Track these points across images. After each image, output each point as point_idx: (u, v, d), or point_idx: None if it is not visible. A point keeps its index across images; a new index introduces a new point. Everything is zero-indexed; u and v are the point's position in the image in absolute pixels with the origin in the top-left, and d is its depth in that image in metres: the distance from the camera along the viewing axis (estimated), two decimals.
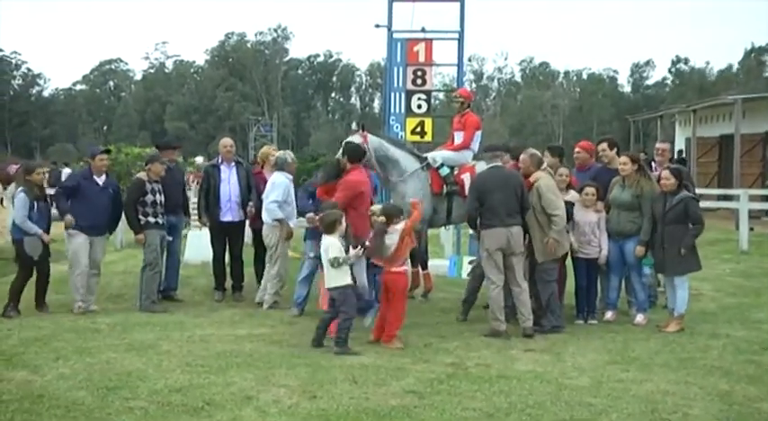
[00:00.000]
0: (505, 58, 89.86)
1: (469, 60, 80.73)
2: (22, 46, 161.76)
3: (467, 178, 9.06)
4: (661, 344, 7.27)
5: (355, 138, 8.96)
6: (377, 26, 13.26)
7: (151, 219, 8.84)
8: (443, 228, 11.70)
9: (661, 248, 7.87)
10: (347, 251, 7.00)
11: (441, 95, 43.14)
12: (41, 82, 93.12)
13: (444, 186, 9.23)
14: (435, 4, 12.71)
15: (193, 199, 11.87)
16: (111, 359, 6.51)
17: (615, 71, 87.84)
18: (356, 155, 8.15)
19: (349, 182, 7.92)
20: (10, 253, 10.63)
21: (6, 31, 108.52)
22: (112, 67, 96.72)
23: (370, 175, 9.03)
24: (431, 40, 12.20)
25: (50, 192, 9.14)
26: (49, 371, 6.14)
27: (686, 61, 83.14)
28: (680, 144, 25.97)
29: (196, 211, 10.30)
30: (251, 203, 9.44)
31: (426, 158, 9.39)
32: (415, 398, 5.52)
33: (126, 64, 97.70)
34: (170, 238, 9.29)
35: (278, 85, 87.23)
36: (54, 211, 8.91)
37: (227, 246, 9.70)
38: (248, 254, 9.90)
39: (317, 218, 7.34)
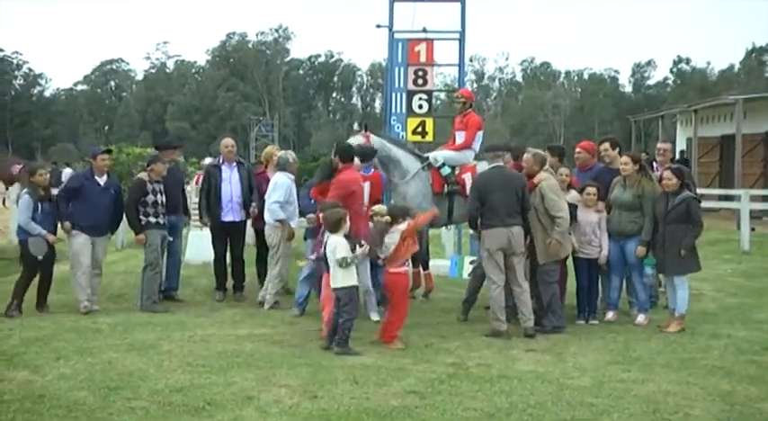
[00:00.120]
0: (506, 58, 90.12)
1: (471, 60, 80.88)
2: (23, 46, 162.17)
3: (468, 178, 9.05)
4: (662, 344, 7.26)
5: (358, 139, 8.98)
6: (378, 26, 13.32)
7: (152, 220, 8.84)
8: (444, 227, 11.70)
9: (662, 248, 7.87)
10: (353, 250, 7.01)
11: (442, 95, 43.17)
12: (43, 82, 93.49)
13: (445, 186, 9.23)
14: (436, 5, 12.73)
15: (195, 199, 11.86)
16: (113, 359, 6.51)
17: (616, 71, 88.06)
18: (348, 154, 8.17)
19: (341, 181, 7.94)
20: (13, 253, 10.64)
21: (8, 31, 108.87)
22: (114, 67, 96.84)
23: (381, 176, 9.03)
24: (432, 40, 12.21)
25: (55, 192, 9.15)
26: (50, 371, 6.14)
27: (688, 61, 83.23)
28: (681, 144, 25.94)
29: (197, 211, 10.30)
30: (254, 204, 9.46)
31: (428, 158, 9.39)
32: (416, 398, 5.52)
33: (127, 64, 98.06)
34: (171, 239, 9.30)
35: (279, 85, 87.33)
36: None
37: (228, 247, 9.70)
38: (250, 254, 9.91)
39: (321, 217, 7.32)
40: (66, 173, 21.97)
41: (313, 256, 7.98)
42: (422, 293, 9.54)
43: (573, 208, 8.04)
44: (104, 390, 5.61)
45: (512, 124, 76.22)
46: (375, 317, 8.16)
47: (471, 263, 9.97)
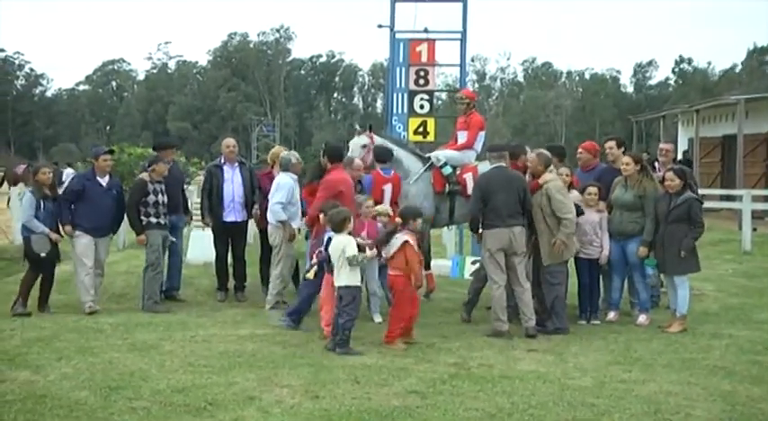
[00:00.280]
0: (508, 59, 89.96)
1: (472, 60, 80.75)
2: (25, 46, 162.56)
3: (469, 178, 9.05)
4: (664, 344, 7.26)
5: (363, 139, 8.99)
6: (379, 26, 13.31)
7: (153, 220, 8.84)
8: (446, 227, 11.70)
9: (662, 248, 7.88)
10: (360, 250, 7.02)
11: (443, 96, 43.11)
12: (44, 82, 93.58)
13: (447, 185, 9.22)
14: (438, 5, 12.72)
15: (196, 199, 11.87)
16: (114, 359, 6.52)
17: (618, 71, 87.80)
18: (336, 155, 8.24)
19: (328, 182, 8.00)
20: (15, 253, 10.65)
21: (9, 31, 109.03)
22: (115, 67, 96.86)
23: (400, 177, 9.01)
24: (433, 40, 12.21)
25: (61, 190, 9.18)
26: (52, 371, 6.14)
27: (689, 61, 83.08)
28: (683, 144, 25.93)
29: (199, 211, 10.30)
30: (256, 206, 9.47)
31: (429, 158, 9.39)
32: (418, 398, 5.52)
33: (129, 64, 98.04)
34: (174, 239, 9.31)
35: (280, 85, 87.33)
36: None
37: (230, 247, 9.71)
38: (251, 254, 9.91)
39: (326, 217, 7.31)
40: (67, 173, 21.99)
41: (313, 260, 7.90)
42: (423, 294, 9.53)
43: (578, 208, 8.03)
44: (106, 390, 5.61)
45: (513, 124, 76.15)
46: (378, 318, 8.18)
47: (473, 263, 9.96)
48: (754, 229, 15.48)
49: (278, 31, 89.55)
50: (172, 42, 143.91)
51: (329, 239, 7.11)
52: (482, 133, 9.63)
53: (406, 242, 7.14)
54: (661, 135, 28.36)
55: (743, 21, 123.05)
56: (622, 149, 8.82)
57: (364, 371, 6.20)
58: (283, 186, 8.67)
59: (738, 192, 17.57)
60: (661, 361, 6.66)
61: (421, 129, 12.07)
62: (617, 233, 8.20)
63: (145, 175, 8.97)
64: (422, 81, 12.12)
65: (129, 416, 5.12)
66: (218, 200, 9.49)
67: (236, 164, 9.68)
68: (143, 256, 9.14)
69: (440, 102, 45.88)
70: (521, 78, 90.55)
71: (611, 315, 8.38)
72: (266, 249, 9.35)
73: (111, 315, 8.49)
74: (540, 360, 6.69)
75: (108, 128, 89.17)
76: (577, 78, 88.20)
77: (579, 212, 7.97)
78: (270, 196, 8.84)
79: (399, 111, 12.11)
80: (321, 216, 7.50)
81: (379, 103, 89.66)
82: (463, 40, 12.12)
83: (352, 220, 7.11)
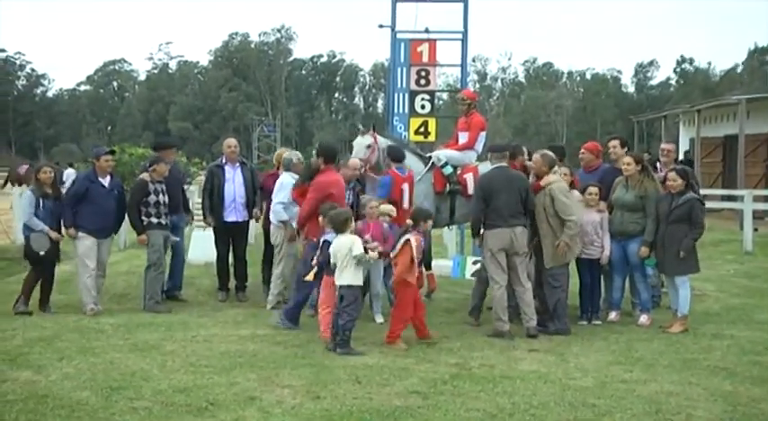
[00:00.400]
0: (509, 59, 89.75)
1: (473, 61, 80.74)
2: (26, 46, 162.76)
3: (470, 178, 9.05)
4: (665, 344, 7.26)
5: (367, 139, 8.98)
6: (380, 26, 13.27)
7: (154, 220, 8.83)
8: (447, 227, 11.70)
9: (662, 247, 7.88)
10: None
11: (444, 96, 43.07)
12: (45, 82, 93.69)
13: (447, 185, 9.22)
14: (439, 5, 12.71)
15: (197, 199, 11.87)
16: (115, 359, 6.52)
17: (619, 71, 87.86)
18: (332, 155, 8.11)
19: (319, 183, 7.88)
20: (16, 253, 10.65)
21: (10, 31, 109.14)
22: (116, 67, 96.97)
23: (413, 177, 8.98)
24: (434, 40, 12.19)
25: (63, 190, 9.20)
26: (53, 371, 6.15)
27: (691, 61, 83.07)
28: (684, 144, 25.94)
29: (200, 211, 10.30)
30: (255, 209, 9.47)
31: (431, 158, 9.38)
32: (419, 398, 5.53)
33: (130, 64, 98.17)
34: (176, 239, 9.31)
35: (281, 85, 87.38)
36: None
37: (231, 247, 9.72)
38: (252, 254, 9.91)
39: (326, 218, 7.30)
40: (68, 173, 21.99)
41: (313, 262, 7.85)
42: (424, 293, 9.52)
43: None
44: (107, 390, 5.62)
45: (514, 124, 76.16)
46: (379, 319, 8.19)
47: (474, 263, 9.95)
48: (756, 230, 15.47)
49: (279, 31, 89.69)
50: (173, 42, 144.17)
51: (325, 242, 7.12)
52: (483, 134, 9.62)
53: (407, 241, 7.15)
54: (662, 135, 28.35)
55: (743, 21, 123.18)
56: (626, 149, 8.81)
57: (365, 371, 6.20)
58: (285, 186, 8.66)
59: (740, 192, 17.57)
60: (662, 361, 6.65)
61: (422, 130, 12.06)
62: (618, 233, 8.20)
63: (146, 176, 8.97)
64: (423, 81, 12.11)
65: (130, 416, 5.12)
66: (220, 200, 9.49)
67: (238, 164, 9.68)
68: (144, 256, 9.15)
69: (441, 102, 45.84)
70: (522, 78, 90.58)
71: (613, 315, 8.37)
72: (269, 249, 9.35)
73: (113, 315, 8.49)
74: (542, 360, 6.69)
75: (109, 128, 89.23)
76: (578, 78, 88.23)
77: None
78: (273, 196, 8.84)
79: (400, 111, 12.11)
80: (320, 218, 7.48)
81: (380, 103, 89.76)
82: (464, 41, 12.11)
83: (353, 220, 7.11)
